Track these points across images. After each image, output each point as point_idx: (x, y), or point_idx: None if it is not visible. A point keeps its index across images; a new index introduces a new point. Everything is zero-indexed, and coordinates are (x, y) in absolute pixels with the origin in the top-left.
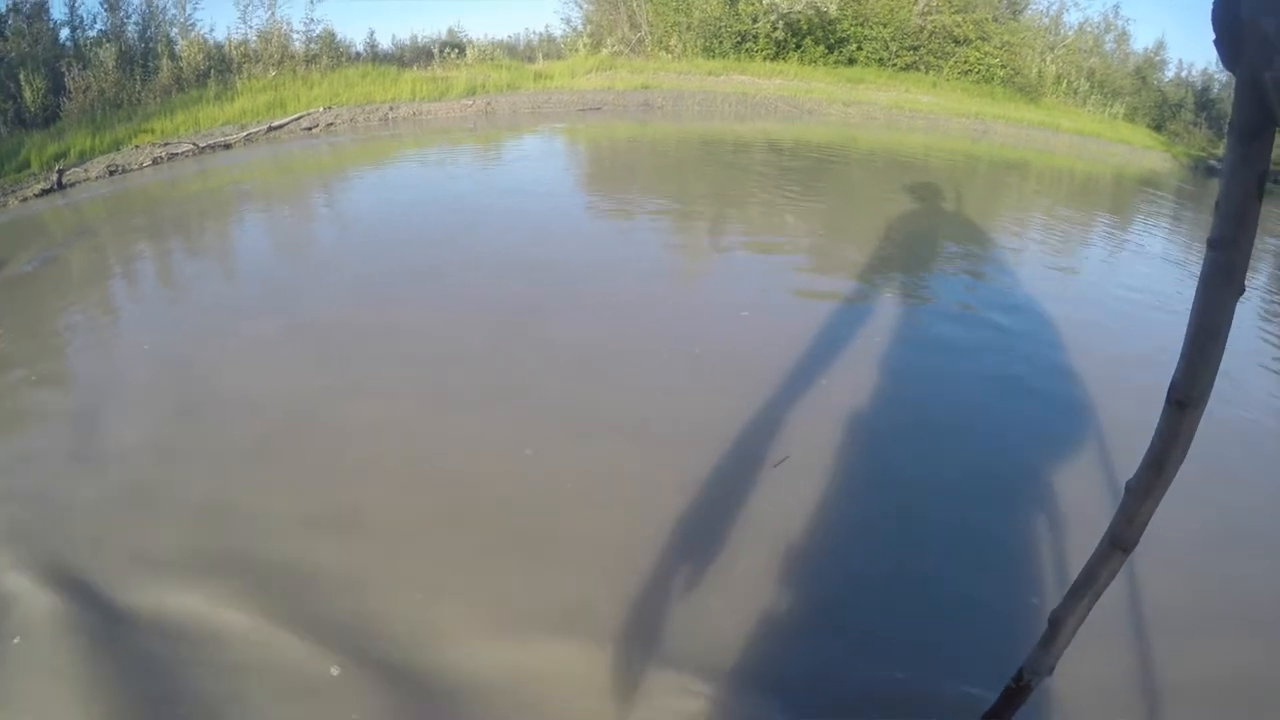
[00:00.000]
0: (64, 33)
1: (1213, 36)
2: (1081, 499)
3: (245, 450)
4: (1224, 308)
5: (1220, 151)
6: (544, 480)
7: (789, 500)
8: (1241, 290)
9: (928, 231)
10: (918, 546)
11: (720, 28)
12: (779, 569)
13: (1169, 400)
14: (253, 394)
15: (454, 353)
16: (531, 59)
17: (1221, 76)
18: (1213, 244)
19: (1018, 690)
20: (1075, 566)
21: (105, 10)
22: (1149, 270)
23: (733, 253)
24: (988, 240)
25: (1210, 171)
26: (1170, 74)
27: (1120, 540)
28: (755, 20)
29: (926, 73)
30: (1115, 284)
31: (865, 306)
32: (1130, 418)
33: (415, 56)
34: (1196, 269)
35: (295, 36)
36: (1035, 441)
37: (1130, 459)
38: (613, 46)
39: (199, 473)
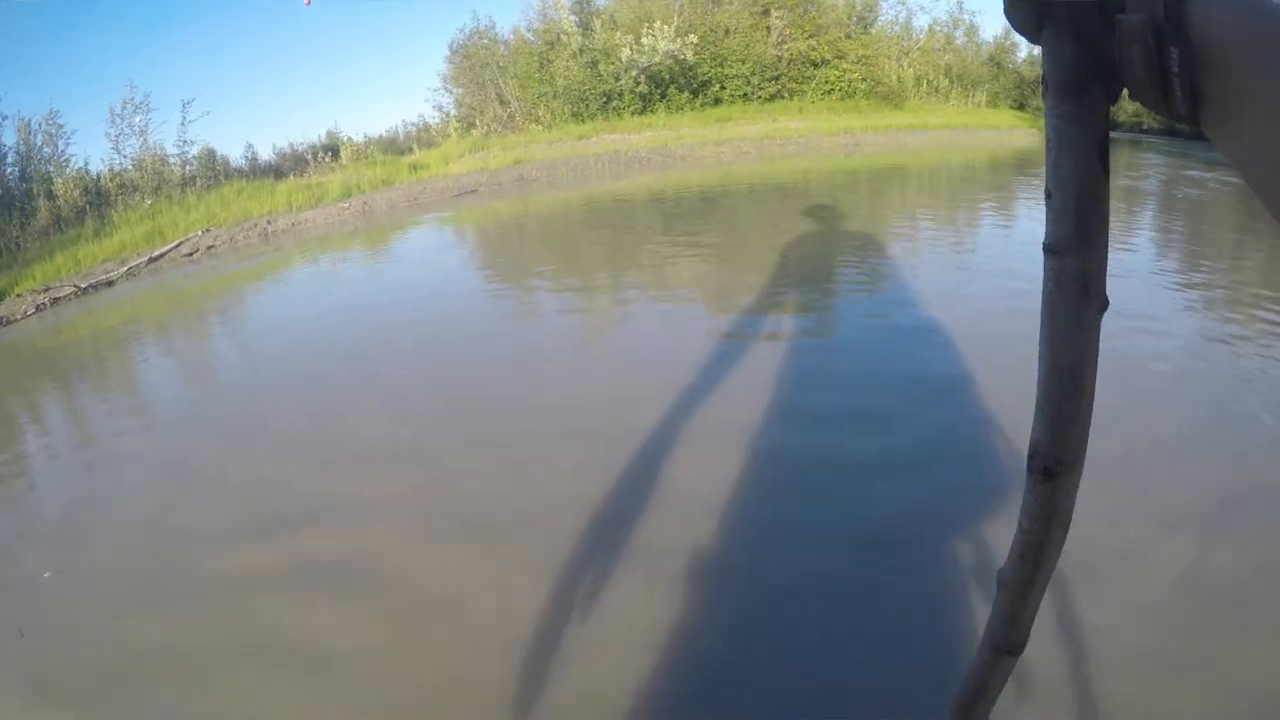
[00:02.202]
0: None
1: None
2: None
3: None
4: (1083, 334)
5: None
6: None
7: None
8: (1104, 304)
9: (815, 255)
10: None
11: (585, 91)
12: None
13: (1031, 470)
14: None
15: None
16: (409, 150)
17: None
18: (1053, 249)
19: None
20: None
21: None
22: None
23: (633, 310)
24: (875, 254)
25: None
26: (1023, 55)
27: (1005, 644)
28: (618, 78)
29: (791, 99)
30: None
31: (762, 343)
32: None
33: (294, 164)
34: None
35: (171, 159)
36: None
37: None
38: (485, 126)
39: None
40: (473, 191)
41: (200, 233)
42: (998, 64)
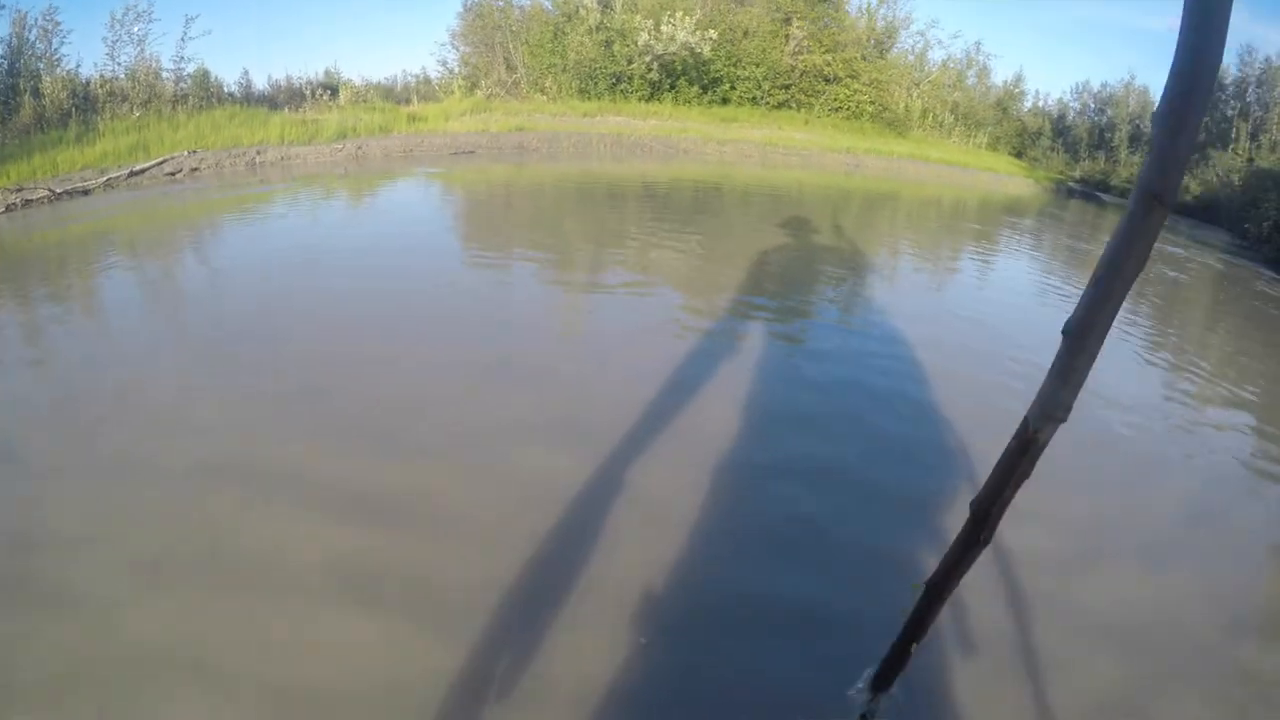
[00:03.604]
0: None
1: None
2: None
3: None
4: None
5: (1076, 173)
6: None
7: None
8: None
9: (800, 266)
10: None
11: (595, 69)
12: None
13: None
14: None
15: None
16: (408, 101)
17: (1075, 104)
18: (1067, 330)
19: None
20: None
21: None
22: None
23: (610, 296)
24: (858, 273)
25: (1070, 193)
26: (1029, 104)
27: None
28: (630, 61)
29: (799, 110)
30: (981, 311)
31: (735, 344)
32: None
33: (289, 98)
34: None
35: (165, 75)
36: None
37: None
38: (488, 89)
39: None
40: (470, 152)
41: (186, 153)
42: (1004, 109)
